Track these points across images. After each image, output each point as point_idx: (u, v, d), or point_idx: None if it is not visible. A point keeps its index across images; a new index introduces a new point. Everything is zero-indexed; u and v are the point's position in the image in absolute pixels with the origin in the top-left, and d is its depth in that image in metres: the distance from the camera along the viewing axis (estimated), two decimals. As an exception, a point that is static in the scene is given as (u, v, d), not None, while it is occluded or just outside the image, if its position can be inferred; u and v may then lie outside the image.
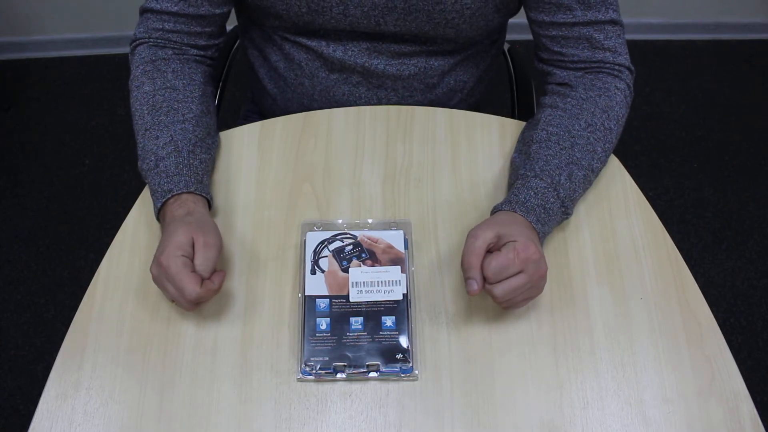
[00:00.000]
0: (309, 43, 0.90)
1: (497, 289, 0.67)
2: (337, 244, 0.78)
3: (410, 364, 0.71)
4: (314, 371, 0.70)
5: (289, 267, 0.78)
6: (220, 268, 0.73)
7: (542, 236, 0.74)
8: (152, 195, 0.77)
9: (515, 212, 0.74)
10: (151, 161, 0.77)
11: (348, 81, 0.93)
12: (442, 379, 0.71)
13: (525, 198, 0.75)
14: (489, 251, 0.69)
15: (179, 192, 0.75)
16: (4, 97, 1.96)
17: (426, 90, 0.95)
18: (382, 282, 0.75)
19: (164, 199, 0.74)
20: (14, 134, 1.89)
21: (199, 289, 0.67)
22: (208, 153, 0.81)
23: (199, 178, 0.77)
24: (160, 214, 0.76)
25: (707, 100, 1.98)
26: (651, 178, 1.82)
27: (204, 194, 0.77)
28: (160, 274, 0.69)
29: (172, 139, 0.78)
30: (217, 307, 0.75)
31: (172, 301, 0.71)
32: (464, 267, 0.69)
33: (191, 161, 0.77)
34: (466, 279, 0.68)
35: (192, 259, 0.69)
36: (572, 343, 0.73)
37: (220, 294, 0.75)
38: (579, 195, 0.79)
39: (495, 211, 0.76)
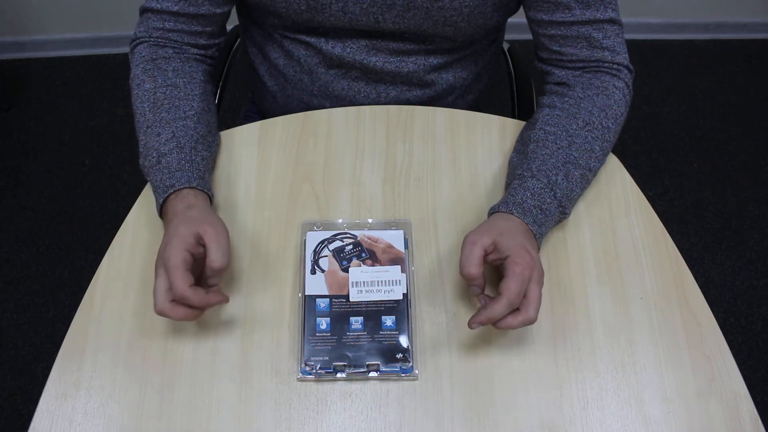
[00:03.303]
0: (308, 39, 0.90)
1: (531, 313, 0.67)
2: (337, 243, 0.78)
3: (410, 364, 0.71)
4: (314, 371, 0.70)
5: (289, 267, 0.78)
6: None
7: (539, 237, 0.74)
8: (154, 191, 0.77)
9: (512, 214, 0.74)
10: (153, 157, 0.77)
11: (347, 76, 0.94)
12: (442, 379, 0.71)
13: (522, 199, 0.75)
14: (486, 255, 0.70)
15: (181, 187, 0.75)
16: (4, 97, 1.96)
17: (424, 86, 0.96)
18: (382, 282, 0.75)
19: (166, 195, 0.74)
20: (14, 134, 1.89)
21: (187, 288, 0.66)
22: (209, 151, 0.81)
23: (201, 174, 0.77)
24: (162, 210, 0.76)
25: (707, 100, 1.98)
26: (651, 178, 1.82)
27: (206, 190, 0.77)
28: (159, 265, 0.69)
29: (174, 135, 0.78)
30: (217, 307, 0.75)
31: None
32: (466, 278, 0.70)
33: (193, 157, 0.77)
34: (471, 287, 0.71)
35: (194, 255, 0.69)
36: (572, 343, 0.73)
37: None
38: (577, 195, 0.79)
39: (492, 211, 0.76)
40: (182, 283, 0.66)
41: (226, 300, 0.71)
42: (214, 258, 0.68)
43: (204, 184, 0.77)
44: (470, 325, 0.67)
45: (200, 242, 0.70)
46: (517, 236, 0.71)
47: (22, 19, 1.97)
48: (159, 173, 0.76)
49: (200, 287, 0.68)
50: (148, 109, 0.80)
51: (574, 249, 0.80)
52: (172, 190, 0.74)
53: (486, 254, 0.70)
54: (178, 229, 0.69)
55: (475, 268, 0.68)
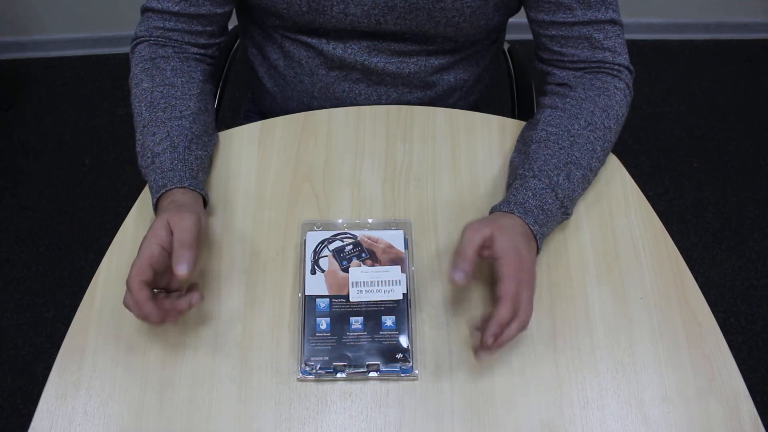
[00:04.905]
0: (309, 40, 0.90)
1: (523, 317, 0.66)
2: (337, 243, 0.78)
3: (410, 364, 0.71)
4: (314, 371, 0.70)
5: (289, 267, 0.78)
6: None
7: (540, 238, 0.74)
8: (150, 191, 0.77)
9: (513, 214, 0.73)
10: (148, 157, 0.77)
11: (348, 78, 0.93)
12: (442, 378, 0.71)
13: (523, 199, 0.75)
14: (482, 248, 0.69)
15: (173, 187, 0.74)
16: (4, 97, 1.96)
17: (426, 87, 0.95)
18: (382, 282, 0.75)
19: (158, 195, 0.74)
20: (14, 134, 1.89)
21: (137, 281, 0.65)
22: (205, 150, 0.81)
23: (194, 174, 0.77)
24: (156, 210, 0.76)
25: (707, 100, 1.98)
26: (651, 178, 1.82)
27: (198, 190, 0.76)
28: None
29: (168, 134, 0.78)
30: (217, 307, 0.75)
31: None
32: (459, 257, 0.68)
33: (186, 157, 0.77)
34: (455, 269, 0.67)
35: (165, 248, 0.68)
36: (572, 343, 0.73)
37: (220, 294, 0.76)
38: (578, 195, 0.79)
39: (493, 211, 0.76)
40: (135, 274, 0.66)
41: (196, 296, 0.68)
42: (178, 236, 0.67)
43: (196, 184, 0.76)
44: (485, 340, 0.65)
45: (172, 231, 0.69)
46: (515, 237, 0.70)
47: (22, 19, 1.97)
48: (153, 173, 0.76)
49: (147, 287, 0.66)
50: (144, 108, 0.80)
51: (574, 249, 0.80)
52: (164, 190, 0.74)
53: (483, 246, 0.69)
54: (153, 225, 0.70)
55: (470, 249, 0.68)
